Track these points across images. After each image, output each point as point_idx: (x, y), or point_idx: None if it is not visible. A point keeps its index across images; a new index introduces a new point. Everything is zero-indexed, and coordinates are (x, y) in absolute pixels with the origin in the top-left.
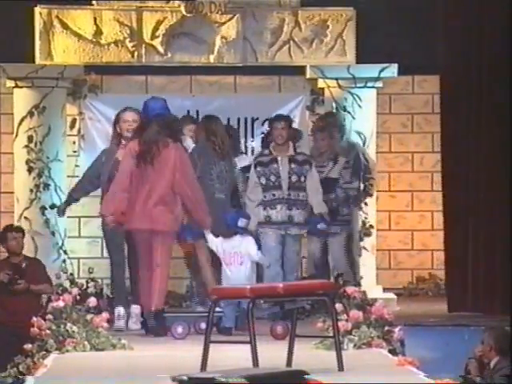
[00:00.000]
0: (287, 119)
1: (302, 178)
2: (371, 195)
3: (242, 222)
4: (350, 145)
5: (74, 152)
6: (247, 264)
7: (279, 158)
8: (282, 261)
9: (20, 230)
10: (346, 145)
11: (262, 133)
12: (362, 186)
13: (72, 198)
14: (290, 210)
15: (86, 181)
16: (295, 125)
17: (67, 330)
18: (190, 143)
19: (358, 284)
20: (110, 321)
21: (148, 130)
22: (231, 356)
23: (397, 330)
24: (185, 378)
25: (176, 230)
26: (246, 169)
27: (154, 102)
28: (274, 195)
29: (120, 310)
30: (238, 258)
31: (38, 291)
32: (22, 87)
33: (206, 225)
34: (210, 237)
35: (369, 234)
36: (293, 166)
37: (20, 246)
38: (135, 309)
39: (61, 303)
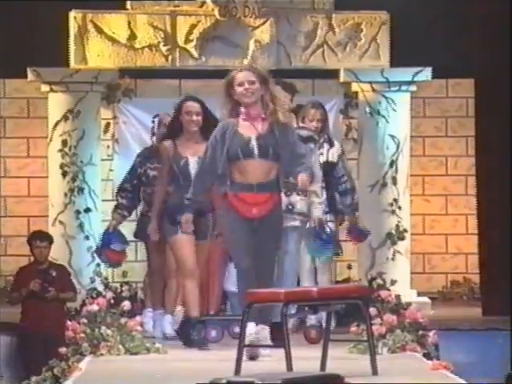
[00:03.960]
0: (294, 90)
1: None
2: None
3: None
4: None
5: (108, 156)
6: None
7: None
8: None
9: (45, 238)
10: None
11: None
12: None
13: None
14: (288, 196)
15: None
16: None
17: (101, 334)
18: None
19: None
20: (143, 325)
21: None
22: (262, 360)
23: (431, 334)
24: (224, 381)
25: None
26: None
27: None
28: None
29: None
30: None
31: (64, 299)
32: (56, 91)
33: None
34: None
35: (402, 238)
36: None
37: (44, 255)
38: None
39: (95, 307)
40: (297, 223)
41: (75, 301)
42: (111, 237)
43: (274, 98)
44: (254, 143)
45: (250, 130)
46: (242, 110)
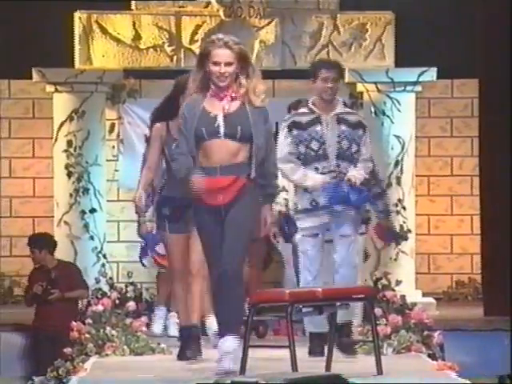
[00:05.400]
0: (341, 67)
1: (354, 147)
2: None
3: None
4: None
5: (114, 156)
6: None
7: (323, 118)
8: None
9: (31, 242)
10: None
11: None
12: None
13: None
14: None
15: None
16: None
17: (106, 334)
18: None
19: None
20: (149, 325)
21: None
22: (267, 359)
23: (436, 334)
24: (228, 381)
25: None
26: None
27: None
28: (317, 169)
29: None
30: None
31: (73, 298)
32: (61, 92)
33: None
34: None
35: (406, 238)
36: (343, 127)
37: (37, 260)
38: None
39: (100, 307)
40: (339, 208)
41: (87, 297)
42: (156, 239)
43: (250, 78)
44: (220, 121)
45: (217, 107)
46: (212, 86)
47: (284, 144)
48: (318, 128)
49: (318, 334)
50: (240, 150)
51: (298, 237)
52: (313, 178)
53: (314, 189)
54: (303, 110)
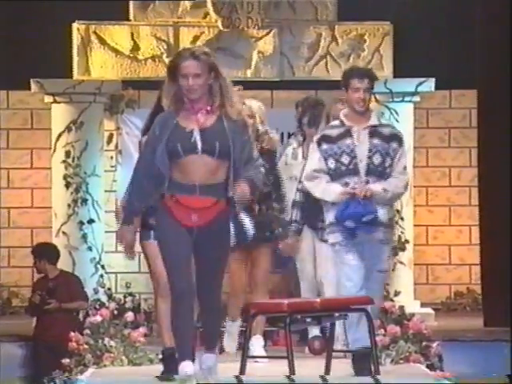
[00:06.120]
0: (373, 76)
1: (388, 161)
2: None
3: None
4: None
5: (112, 167)
6: None
7: (354, 130)
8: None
9: (37, 253)
10: None
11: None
12: None
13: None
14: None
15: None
16: None
17: (105, 345)
18: None
19: None
20: (148, 335)
21: None
22: (266, 370)
23: (435, 345)
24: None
25: None
26: None
27: None
28: (347, 184)
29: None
30: None
31: (72, 309)
32: (59, 102)
33: None
34: None
35: (403, 249)
36: (375, 141)
37: (38, 269)
38: None
39: (98, 318)
40: (380, 235)
41: (86, 308)
42: None
43: (223, 89)
44: (196, 137)
45: (192, 122)
46: (186, 100)
47: (311, 160)
48: (349, 141)
49: (362, 353)
50: (219, 167)
51: (333, 248)
52: (334, 191)
53: (336, 202)
54: (335, 122)
